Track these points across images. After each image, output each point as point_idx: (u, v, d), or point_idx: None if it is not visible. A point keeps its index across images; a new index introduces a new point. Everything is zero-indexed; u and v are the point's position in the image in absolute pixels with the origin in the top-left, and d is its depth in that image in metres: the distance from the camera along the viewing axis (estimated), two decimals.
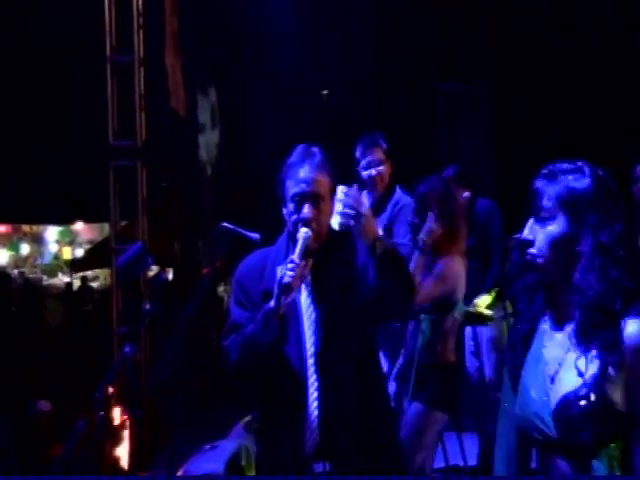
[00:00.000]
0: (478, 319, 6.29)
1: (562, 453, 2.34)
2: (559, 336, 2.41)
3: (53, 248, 31.79)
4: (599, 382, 2.29)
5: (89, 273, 24.51)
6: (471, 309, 6.10)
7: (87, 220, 24.92)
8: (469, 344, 6.68)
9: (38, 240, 31.73)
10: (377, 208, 5.75)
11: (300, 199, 3.28)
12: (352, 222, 3.20)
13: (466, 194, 6.66)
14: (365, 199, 5.76)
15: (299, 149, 3.39)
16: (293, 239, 3.26)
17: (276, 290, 3.12)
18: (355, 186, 4.30)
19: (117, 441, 6.94)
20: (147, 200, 8.10)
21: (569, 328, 2.39)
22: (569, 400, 2.31)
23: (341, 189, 3.28)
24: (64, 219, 24.40)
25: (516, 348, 2.51)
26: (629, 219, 2.43)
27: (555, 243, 2.38)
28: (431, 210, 4.69)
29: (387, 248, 3.21)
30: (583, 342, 2.34)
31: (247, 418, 6.22)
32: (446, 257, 4.68)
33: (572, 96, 9.47)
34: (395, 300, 3.32)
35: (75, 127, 14.10)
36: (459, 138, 10.12)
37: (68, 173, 15.55)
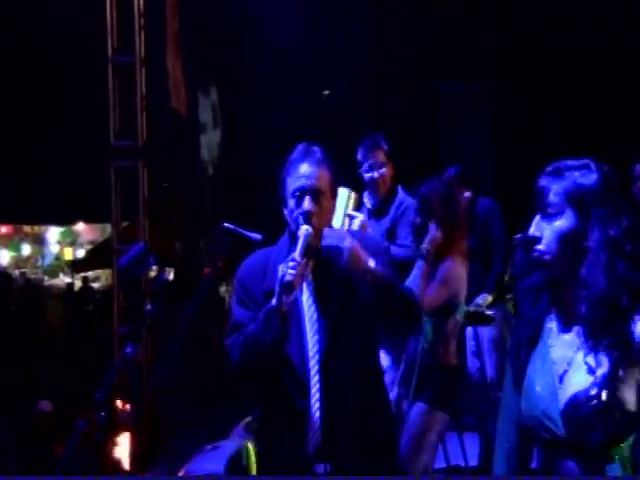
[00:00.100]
0: (479, 319, 6.30)
1: (571, 452, 2.33)
2: (567, 337, 2.40)
3: (54, 249, 31.79)
4: (610, 381, 2.27)
5: (90, 273, 24.53)
6: (472, 309, 6.11)
7: (88, 220, 24.91)
8: (470, 344, 6.68)
9: (39, 241, 31.74)
10: (379, 210, 5.75)
11: (301, 194, 3.27)
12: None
13: (467, 194, 6.66)
14: (367, 200, 5.80)
15: (299, 147, 3.39)
16: (294, 239, 3.25)
17: (278, 288, 3.11)
18: (347, 190, 4.32)
19: (118, 441, 6.95)
20: (148, 200, 8.12)
21: (577, 328, 2.37)
22: (579, 399, 2.30)
23: (342, 192, 3.28)
24: (65, 219, 24.38)
25: (520, 347, 2.49)
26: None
27: (563, 239, 2.37)
28: (433, 211, 4.68)
29: (379, 278, 3.19)
30: (592, 339, 2.32)
31: (248, 418, 6.22)
32: (447, 259, 4.67)
33: (572, 96, 9.47)
34: (397, 323, 3.37)
35: (76, 127, 14.09)
36: (459, 138, 10.13)
37: (69, 173, 15.55)
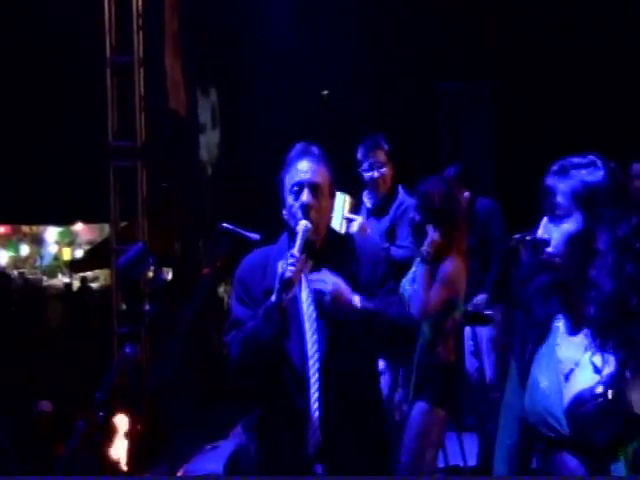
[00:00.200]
0: (477, 319, 6.30)
1: (574, 451, 2.31)
2: (575, 338, 2.38)
3: (53, 249, 31.76)
4: (616, 380, 2.25)
5: (89, 274, 24.52)
6: (470, 309, 6.11)
7: (87, 221, 24.87)
8: (468, 344, 6.68)
9: (38, 241, 31.70)
10: (379, 210, 5.75)
11: (299, 188, 3.27)
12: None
13: (466, 194, 6.65)
14: (367, 199, 5.80)
15: (298, 146, 3.39)
16: (294, 237, 3.24)
17: (277, 285, 3.11)
18: (342, 194, 4.29)
19: (117, 441, 6.94)
20: (147, 200, 8.12)
21: (585, 329, 2.35)
22: (584, 398, 2.28)
23: (337, 196, 3.28)
24: (64, 220, 24.36)
25: (526, 346, 2.47)
26: None
27: (572, 241, 2.34)
28: (432, 209, 4.67)
29: (366, 315, 3.17)
30: (599, 340, 2.30)
31: (247, 418, 6.22)
32: (447, 260, 4.66)
33: (572, 96, 9.46)
34: (391, 349, 3.48)
35: (75, 127, 14.08)
36: (459, 138, 10.13)
37: (68, 173, 15.53)
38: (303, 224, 3.21)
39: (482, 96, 10.16)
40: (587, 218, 2.33)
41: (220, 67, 11.89)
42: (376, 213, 5.75)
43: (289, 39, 10.59)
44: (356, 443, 3.23)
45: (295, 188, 3.28)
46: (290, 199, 3.30)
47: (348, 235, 4.22)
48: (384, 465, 3.40)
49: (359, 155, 5.75)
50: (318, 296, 3.18)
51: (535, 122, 9.70)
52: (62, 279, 27.93)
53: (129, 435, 6.80)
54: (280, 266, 3.13)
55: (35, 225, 29.77)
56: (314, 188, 3.28)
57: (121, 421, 6.94)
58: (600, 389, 2.26)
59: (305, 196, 3.25)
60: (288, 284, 3.10)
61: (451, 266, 4.64)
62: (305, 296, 3.26)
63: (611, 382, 2.26)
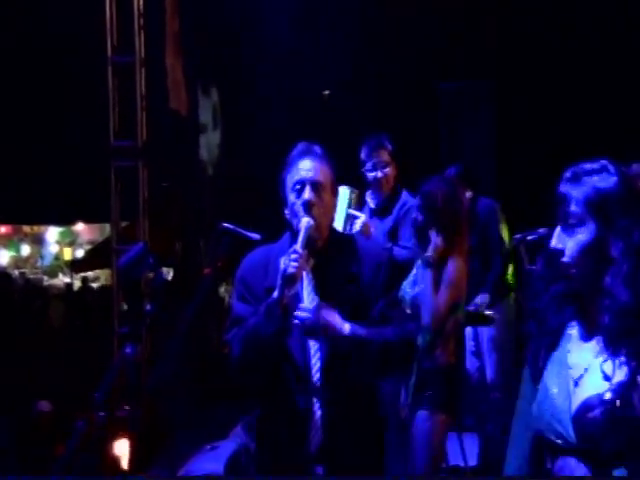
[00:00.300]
0: (478, 320, 6.29)
1: (579, 458, 2.29)
2: (587, 344, 2.36)
3: (54, 249, 31.78)
4: (626, 389, 2.23)
5: (90, 274, 24.53)
6: (471, 309, 6.10)
7: (88, 220, 24.90)
8: (470, 344, 6.67)
9: (39, 241, 31.72)
10: (382, 210, 5.73)
11: (301, 186, 3.27)
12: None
13: (468, 194, 6.65)
14: (370, 199, 5.79)
15: (299, 146, 3.38)
16: (296, 236, 3.23)
17: (280, 280, 3.11)
18: (348, 189, 4.29)
19: (117, 441, 6.94)
20: (148, 200, 8.12)
21: (599, 337, 2.33)
22: (592, 404, 2.26)
23: (343, 190, 3.28)
24: (65, 220, 24.39)
25: (539, 354, 2.45)
26: None
27: (587, 250, 2.32)
28: (435, 208, 4.64)
29: (358, 341, 3.16)
30: (612, 347, 2.28)
31: (247, 418, 6.22)
32: (450, 262, 4.63)
33: (572, 96, 9.46)
34: (388, 371, 3.48)
35: (76, 127, 14.09)
36: (459, 138, 10.13)
37: (69, 173, 15.56)
38: (305, 220, 3.21)
39: (482, 96, 10.16)
40: (601, 226, 2.31)
41: (220, 67, 11.90)
42: (379, 213, 5.73)
43: (289, 39, 10.59)
44: (356, 443, 3.22)
45: (297, 186, 3.28)
46: (292, 197, 3.29)
47: (351, 235, 4.21)
48: (380, 465, 3.39)
49: (362, 155, 5.73)
50: (306, 326, 3.17)
51: (535, 122, 9.70)
52: (63, 279, 27.95)
53: (129, 435, 6.80)
54: (282, 262, 3.13)
55: (36, 225, 29.79)
56: (316, 186, 3.27)
57: (120, 421, 6.95)
58: (609, 396, 2.24)
59: (307, 193, 3.25)
60: (291, 280, 3.10)
61: (454, 268, 4.61)
62: (307, 293, 3.26)
63: (620, 390, 2.23)
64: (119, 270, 7.76)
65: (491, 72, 10.05)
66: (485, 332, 6.74)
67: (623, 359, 2.26)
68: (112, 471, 6.77)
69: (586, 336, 2.38)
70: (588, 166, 2.37)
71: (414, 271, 4.76)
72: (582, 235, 2.33)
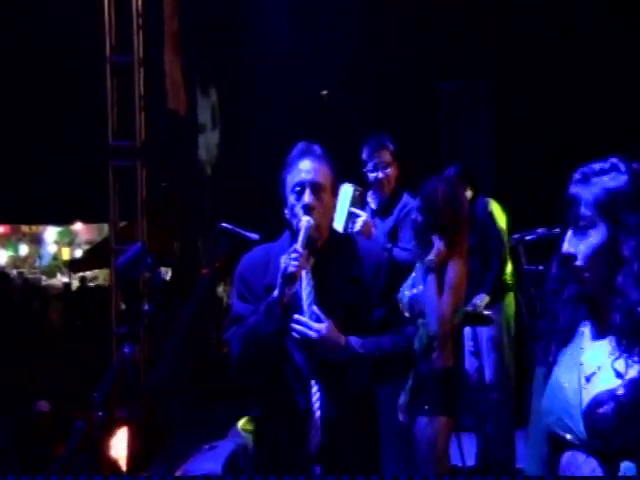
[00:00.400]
0: (476, 320, 6.28)
1: (589, 453, 2.27)
2: (600, 343, 2.35)
3: (52, 248, 31.82)
4: (638, 385, 2.21)
5: (88, 273, 24.53)
6: (469, 309, 6.09)
7: (86, 220, 24.92)
8: (468, 344, 6.67)
9: (37, 240, 31.77)
10: (383, 210, 5.72)
11: (301, 188, 3.27)
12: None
13: (467, 194, 6.63)
14: (371, 199, 5.77)
15: (299, 146, 3.38)
16: (295, 236, 3.23)
17: (280, 279, 3.11)
18: (351, 186, 4.27)
19: (116, 441, 6.94)
20: (147, 200, 8.10)
21: (611, 336, 2.31)
22: (603, 400, 2.24)
23: (346, 187, 3.27)
24: (63, 219, 24.42)
25: (550, 350, 2.43)
26: None
27: (599, 253, 2.29)
28: (435, 209, 4.61)
29: (357, 354, 3.18)
30: (624, 346, 2.27)
31: (246, 418, 6.21)
32: (450, 264, 4.59)
33: (572, 96, 9.45)
34: (388, 378, 3.58)
35: (75, 127, 14.10)
36: (459, 138, 10.12)
37: (67, 173, 15.57)
38: (306, 220, 3.21)
39: (482, 96, 10.14)
40: (611, 227, 2.28)
41: (219, 67, 11.89)
42: (380, 214, 5.72)
43: (289, 39, 10.59)
44: (355, 444, 3.22)
45: (297, 188, 3.28)
46: (292, 199, 3.29)
47: (351, 236, 4.21)
48: (377, 466, 3.39)
49: (364, 155, 5.71)
50: (304, 341, 3.17)
51: (535, 122, 9.68)
52: (61, 279, 28.00)
53: (128, 435, 6.80)
54: (283, 261, 3.13)
55: (34, 225, 29.83)
56: (316, 188, 3.27)
57: (119, 421, 6.95)
58: (621, 391, 2.22)
59: (307, 197, 3.25)
60: (291, 279, 3.10)
61: (455, 271, 4.56)
62: (306, 293, 3.25)
63: (632, 387, 2.21)
64: (117, 270, 7.73)
65: (491, 72, 10.04)
66: (484, 332, 6.73)
67: (636, 358, 2.24)
68: (111, 471, 6.77)
69: (598, 335, 2.36)
70: (597, 166, 2.34)
71: (413, 273, 4.74)
72: (593, 238, 2.30)
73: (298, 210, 3.26)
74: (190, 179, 11.94)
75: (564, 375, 2.37)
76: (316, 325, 3.15)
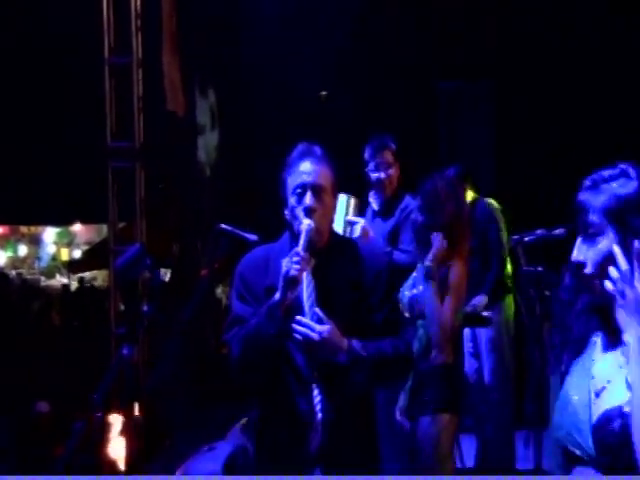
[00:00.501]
0: (475, 321, 6.27)
1: (598, 469, 2.24)
2: (611, 355, 2.32)
3: (51, 249, 31.82)
4: None
5: (87, 274, 24.51)
6: (468, 310, 6.08)
7: (85, 221, 24.90)
8: (468, 345, 6.67)
9: (36, 241, 31.77)
10: (385, 211, 5.70)
11: (302, 190, 3.26)
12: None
13: (468, 194, 6.61)
14: (373, 200, 5.76)
15: (300, 147, 3.37)
16: (295, 237, 3.24)
17: (282, 283, 3.11)
18: (345, 196, 4.26)
19: (115, 442, 6.93)
20: (145, 201, 8.10)
21: (623, 347, 2.28)
22: (612, 415, 2.21)
23: (341, 198, 3.26)
24: (62, 220, 24.40)
25: (562, 358, 2.42)
26: None
27: (608, 260, 2.26)
28: (435, 209, 4.57)
29: (360, 356, 3.17)
30: None
31: (244, 420, 6.21)
32: (451, 267, 4.56)
33: (572, 96, 9.45)
34: (388, 380, 3.59)
35: (73, 128, 14.09)
36: (459, 138, 10.12)
37: (66, 174, 15.55)
38: (307, 223, 3.20)
39: (482, 96, 10.14)
40: (620, 232, 2.25)
41: (219, 68, 11.89)
42: (382, 214, 5.70)
43: (289, 39, 10.57)
44: (355, 445, 3.22)
45: (298, 190, 3.27)
46: (293, 200, 3.29)
47: (351, 240, 4.20)
48: (375, 466, 3.39)
49: (366, 155, 5.68)
50: (306, 342, 3.16)
51: (535, 122, 9.68)
52: (60, 279, 28.00)
53: (127, 436, 6.80)
54: (284, 264, 3.12)
55: (33, 225, 29.83)
56: (317, 190, 3.27)
57: (118, 422, 6.94)
58: (628, 409, 2.18)
59: (308, 199, 3.24)
60: (293, 282, 3.10)
61: (456, 274, 4.53)
62: (307, 295, 3.24)
63: None
64: (116, 271, 7.75)
65: (491, 72, 10.04)
66: (483, 333, 6.72)
67: None
68: (110, 471, 6.77)
69: (609, 346, 2.33)
70: (607, 173, 2.32)
71: (414, 274, 4.71)
72: (602, 244, 2.28)
73: (299, 212, 3.25)
74: (189, 180, 11.93)
75: (574, 388, 2.35)
76: (318, 327, 3.14)
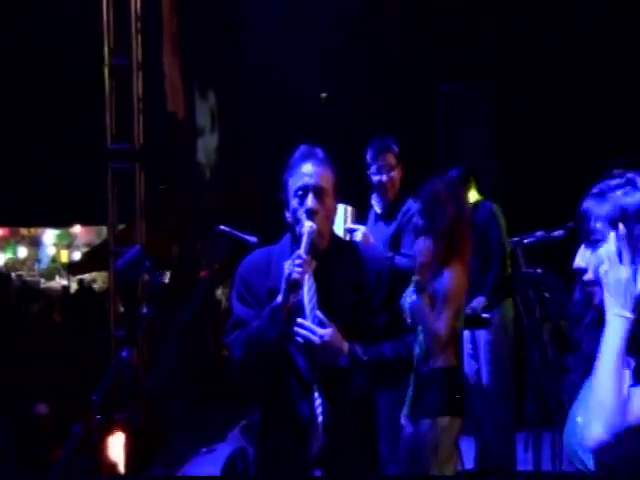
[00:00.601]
0: (475, 323, 6.26)
1: None
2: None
3: (51, 251, 31.82)
4: None
5: (87, 276, 24.50)
6: (468, 312, 6.06)
7: (85, 223, 24.92)
8: (467, 347, 6.66)
9: (36, 243, 31.78)
10: (387, 214, 5.67)
11: (304, 192, 3.26)
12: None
13: (469, 197, 6.59)
14: (375, 202, 5.73)
15: (301, 149, 3.37)
16: (297, 239, 3.23)
17: (284, 285, 3.10)
18: (342, 205, 4.24)
19: (114, 444, 6.92)
20: (145, 203, 8.10)
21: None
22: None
23: (339, 207, 3.26)
24: (62, 222, 24.40)
25: (574, 378, 2.41)
26: None
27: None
28: (436, 212, 4.54)
29: (359, 360, 3.17)
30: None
31: (244, 422, 6.20)
32: (446, 273, 4.49)
33: (572, 96, 9.45)
34: (387, 384, 3.55)
35: (73, 129, 14.09)
36: (459, 138, 10.10)
37: (66, 176, 15.55)
38: (308, 225, 3.20)
39: (482, 96, 10.13)
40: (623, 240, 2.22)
41: (219, 69, 11.89)
42: (385, 217, 5.67)
43: (289, 40, 10.57)
44: (355, 448, 3.22)
45: (300, 192, 3.27)
46: (294, 203, 3.28)
47: (352, 242, 4.19)
48: (375, 469, 3.39)
49: (368, 157, 5.64)
50: (307, 345, 3.16)
51: (535, 122, 9.68)
52: (60, 281, 28.00)
53: (126, 438, 6.78)
54: (287, 267, 3.11)
55: (33, 227, 29.82)
56: (319, 192, 3.26)
57: (117, 424, 6.93)
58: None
59: (310, 201, 3.24)
60: (295, 285, 3.09)
61: (450, 281, 4.48)
62: (308, 297, 3.23)
63: None
64: (116, 273, 7.75)
65: (491, 73, 10.03)
66: (482, 335, 6.71)
67: None
68: (110, 473, 6.75)
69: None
70: (614, 182, 2.30)
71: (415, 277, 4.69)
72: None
73: (301, 215, 3.24)
74: (189, 182, 11.94)
75: (580, 409, 2.32)
76: (320, 330, 3.14)
